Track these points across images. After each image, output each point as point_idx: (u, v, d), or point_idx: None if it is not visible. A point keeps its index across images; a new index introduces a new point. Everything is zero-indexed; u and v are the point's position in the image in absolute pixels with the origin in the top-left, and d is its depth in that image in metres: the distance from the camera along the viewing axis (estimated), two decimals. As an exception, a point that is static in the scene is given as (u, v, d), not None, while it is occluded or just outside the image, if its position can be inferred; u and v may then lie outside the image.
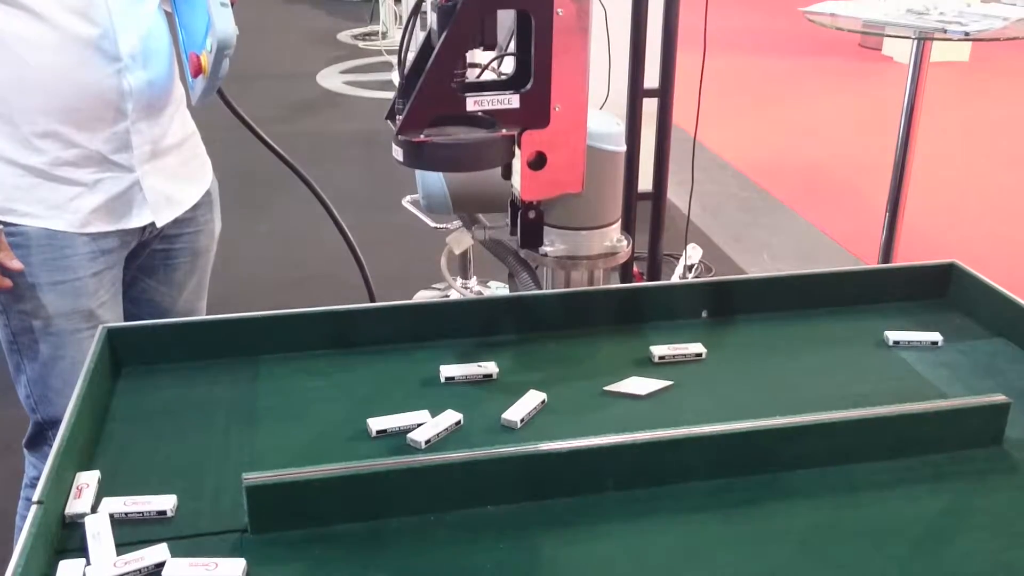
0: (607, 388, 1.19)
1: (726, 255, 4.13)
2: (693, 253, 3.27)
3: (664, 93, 2.71)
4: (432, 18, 1.05)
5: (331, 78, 7.07)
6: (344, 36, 8.47)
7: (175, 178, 1.59)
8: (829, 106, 6.50)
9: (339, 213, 1.95)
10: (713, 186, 4.94)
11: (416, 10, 1.09)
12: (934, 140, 5.30)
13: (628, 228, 2.97)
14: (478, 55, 1.09)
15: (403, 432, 1.09)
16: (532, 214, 1.17)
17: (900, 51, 7.18)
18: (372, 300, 1.70)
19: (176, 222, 1.62)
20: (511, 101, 1.06)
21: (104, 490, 0.99)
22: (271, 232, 4.26)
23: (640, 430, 1.02)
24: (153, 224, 1.57)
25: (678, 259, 3.40)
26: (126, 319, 1.63)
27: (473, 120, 1.07)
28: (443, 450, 1.05)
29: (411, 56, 1.09)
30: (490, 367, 1.21)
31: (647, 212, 2.83)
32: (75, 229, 1.48)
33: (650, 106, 2.70)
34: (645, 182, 2.80)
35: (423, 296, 3.61)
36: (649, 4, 2.58)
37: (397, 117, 1.05)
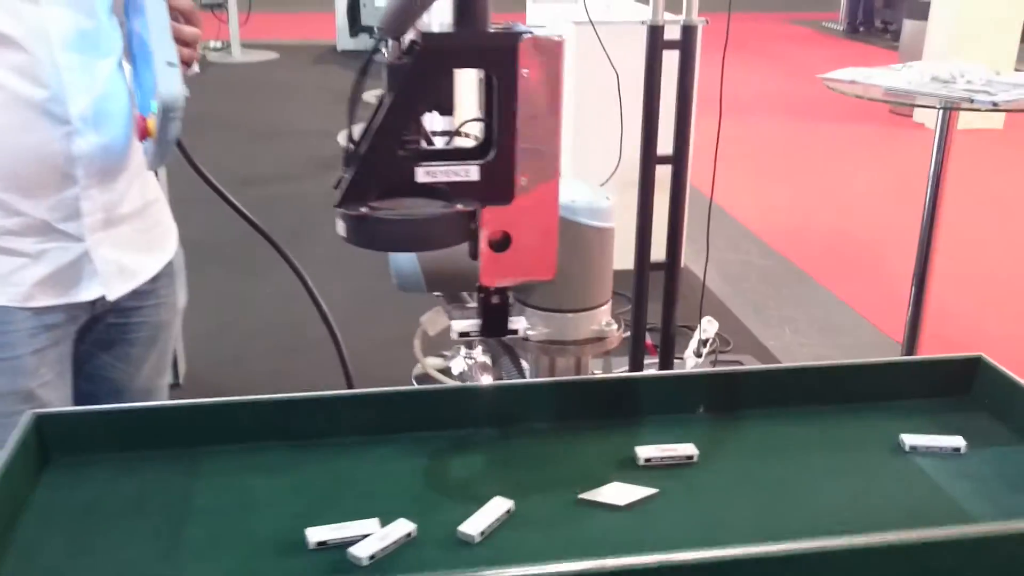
0: (583, 496, 1.06)
1: (745, 327, 3.99)
2: (709, 327, 3.14)
3: (679, 160, 2.61)
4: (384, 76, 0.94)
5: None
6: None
7: (131, 248, 1.49)
8: (858, 173, 6.38)
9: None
10: (734, 254, 4.82)
11: (364, 70, 0.98)
12: (965, 210, 5.16)
13: (641, 299, 2.86)
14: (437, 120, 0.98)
15: (346, 544, 0.96)
16: (496, 299, 1.02)
17: (933, 118, 7.06)
18: (349, 382, 1.58)
19: (134, 294, 1.51)
20: (469, 173, 0.93)
21: (-2, 608, 0.88)
22: (273, 295, 4.17)
23: (617, 549, 0.90)
24: (104, 297, 1.47)
25: (693, 331, 3.27)
26: (81, 398, 1.52)
27: (433, 193, 0.95)
28: (390, 570, 0.92)
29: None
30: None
31: (662, 282, 2.72)
32: (16, 303, 1.38)
33: (664, 172, 2.61)
34: (660, 251, 2.69)
35: (432, 362, 3.48)
36: (664, 69, 2.50)
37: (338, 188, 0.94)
